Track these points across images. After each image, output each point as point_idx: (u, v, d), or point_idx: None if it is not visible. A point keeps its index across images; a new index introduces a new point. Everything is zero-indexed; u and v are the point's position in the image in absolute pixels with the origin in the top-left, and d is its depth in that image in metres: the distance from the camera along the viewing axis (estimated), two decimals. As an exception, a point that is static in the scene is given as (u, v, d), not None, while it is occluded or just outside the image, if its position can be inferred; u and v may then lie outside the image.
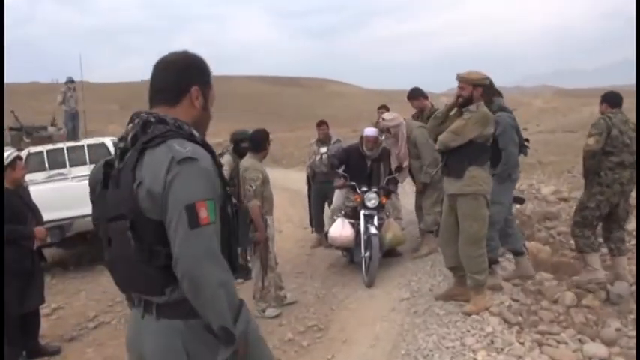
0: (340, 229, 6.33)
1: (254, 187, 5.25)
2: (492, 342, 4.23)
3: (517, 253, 5.69)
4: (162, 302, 1.85)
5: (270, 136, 5.61)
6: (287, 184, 13.07)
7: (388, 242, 6.32)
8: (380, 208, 6.36)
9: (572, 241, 7.22)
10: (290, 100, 73.83)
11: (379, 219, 6.31)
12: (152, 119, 1.90)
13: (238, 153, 6.51)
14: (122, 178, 1.86)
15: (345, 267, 6.76)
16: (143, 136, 1.86)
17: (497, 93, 5.32)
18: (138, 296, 1.94)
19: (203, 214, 1.74)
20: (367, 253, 5.99)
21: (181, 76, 1.97)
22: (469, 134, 4.63)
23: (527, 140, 5.77)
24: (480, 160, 4.71)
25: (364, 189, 6.39)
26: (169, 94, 1.96)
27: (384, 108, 8.27)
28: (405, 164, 6.71)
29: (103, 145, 9.15)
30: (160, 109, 1.95)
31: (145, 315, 1.90)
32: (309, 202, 8.06)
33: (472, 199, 4.69)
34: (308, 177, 8.02)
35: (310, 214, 8.08)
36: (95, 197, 2.04)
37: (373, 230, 6.09)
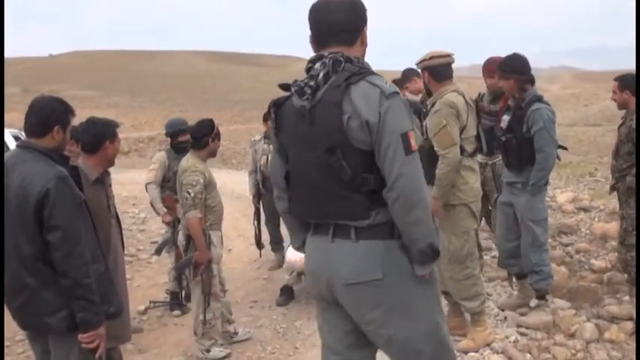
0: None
1: (192, 194, 5.24)
2: (494, 386, 4.34)
3: (520, 276, 5.82)
4: (364, 225, 2.57)
5: (219, 128, 5.63)
6: (238, 189, 13.10)
7: None
8: None
9: (593, 261, 7.42)
10: (244, 83, 73.72)
11: None
12: (341, 58, 2.59)
13: (176, 149, 6.50)
14: (320, 115, 2.57)
15: (310, 295, 6.80)
16: (337, 74, 2.55)
17: (531, 80, 5.38)
18: (324, 223, 2.68)
19: (413, 141, 2.52)
20: None
21: (357, 16, 2.69)
22: (456, 135, 4.68)
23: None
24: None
25: None
26: (347, 34, 2.67)
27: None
28: None
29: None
30: (337, 48, 2.64)
31: (336, 239, 2.64)
32: (258, 214, 7.93)
33: (450, 209, 4.79)
34: (257, 184, 7.85)
35: (257, 230, 7.93)
36: (286, 140, 2.76)
37: None
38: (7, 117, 33.84)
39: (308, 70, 2.67)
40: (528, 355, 4.87)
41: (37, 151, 3.33)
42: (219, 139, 5.61)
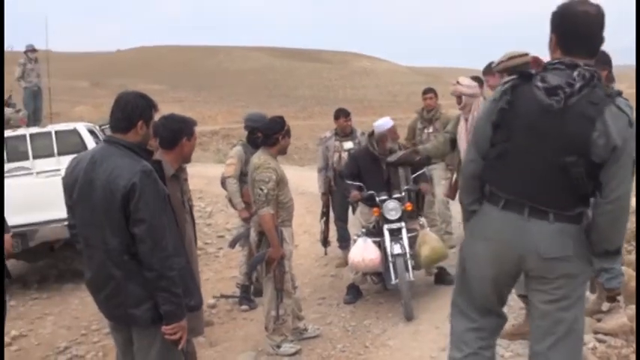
0: (362, 252, 6.32)
1: (265, 191, 5.28)
2: (573, 394, 4.22)
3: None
4: (563, 214, 2.99)
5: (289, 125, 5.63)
6: (302, 185, 13.12)
7: (425, 260, 6.36)
8: (408, 217, 6.42)
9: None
10: (306, 79, 73.97)
11: (410, 231, 6.37)
12: (595, 74, 2.89)
13: (253, 144, 6.52)
14: (570, 122, 2.87)
15: (379, 293, 6.79)
16: (590, 89, 2.86)
17: (612, 77, 5.21)
18: (520, 202, 3.03)
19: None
20: (397, 280, 6.07)
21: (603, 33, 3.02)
22: None
23: None
24: None
25: (382, 197, 6.44)
26: (597, 49, 3.03)
27: (432, 92, 8.30)
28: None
29: (75, 132, 9.26)
30: (585, 59, 2.93)
31: (532, 219, 3.01)
32: (327, 212, 8.00)
33: None
34: (328, 181, 7.91)
35: (325, 228, 8.00)
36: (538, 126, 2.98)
37: (397, 250, 6.14)
38: (77, 110, 34.80)
39: (552, 67, 2.97)
40: (608, 364, 4.72)
41: (122, 146, 3.40)
42: (289, 136, 5.63)
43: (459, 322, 3.39)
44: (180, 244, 3.60)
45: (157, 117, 3.82)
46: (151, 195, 3.27)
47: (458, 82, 6.82)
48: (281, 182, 5.42)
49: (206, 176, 13.59)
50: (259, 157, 5.48)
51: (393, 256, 6.12)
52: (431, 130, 8.13)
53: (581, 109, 2.85)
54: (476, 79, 8.01)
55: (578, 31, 2.95)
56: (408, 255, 6.19)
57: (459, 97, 6.80)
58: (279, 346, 5.49)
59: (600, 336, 5.19)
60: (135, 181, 3.22)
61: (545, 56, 3.73)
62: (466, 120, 6.69)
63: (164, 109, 4.88)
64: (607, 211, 2.95)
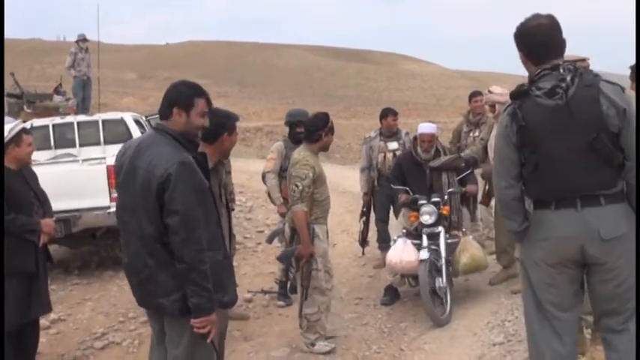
0: (400, 253, 6.24)
1: (300, 187, 5.28)
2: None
3: None
4: (611, 193, 3.26)
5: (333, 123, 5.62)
6: (343, 184, 13.10)
7: (463, 267, 6.30)
8: (446, 222, 6.36)
9: None
10: (352, 79, 73.87)
11: (451, 237, 6.29)
12: (575, 66, 3.30)
13: (294, 139, 6.53)
14: (578, 109, 3.18)
15: (418, 296, 6.71)
16: (579, 78, 3.22)
17: None
18: (569, 197, 3.28)
19: None
20: (417, 285, 6.03)
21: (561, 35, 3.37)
22: None
23: None
24: None
25: (421, 202, 6.38)
26: (562, 49, 3.36)
27: (480, 96, 8.20)
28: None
29: (122, 121, 9.38)
30: (558, 60, 3.29)
31: (585, 208, 3.26)
32: (368, 212, 7.95)
33: None
34: (371, 180, 7.87)
35: (365, 228, 7.94)
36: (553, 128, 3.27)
37: (422, 255, 6.05)
38: (125, 101, 35.32)
39: (540, 76, 3.29)
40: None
41: (168, 134, 3.42)
42: (332, 134, 5.62)
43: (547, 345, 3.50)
44: (220, 238, 3.59)
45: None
46: (187, 186, 3.26)
47: (490, 91, 6.80)
48: (318, 180, 5.40)
49: (247, 171, 13.65)
50: (299, 153, 5.48)
51: (419, 261, 6.04)
52: (477, 133, 8.03)
53: (582, 95, 3.21)
54: (479, 94, 8.03)
55: (539, 42, 3.33)
56: (443, 260, 6.12)
57: (492, 106, 6.78)
58: (313, 344, 5.48)
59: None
60: (171, 172, 3.23)
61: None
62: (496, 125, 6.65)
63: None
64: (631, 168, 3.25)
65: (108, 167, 7.67)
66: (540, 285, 3.47)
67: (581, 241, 3.30)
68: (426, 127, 6.71)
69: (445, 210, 6.38)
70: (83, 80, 14.41)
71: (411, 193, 6.53)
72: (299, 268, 5.42)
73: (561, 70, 3.27)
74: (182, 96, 3.46)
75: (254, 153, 23.26)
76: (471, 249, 6.32)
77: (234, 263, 6.51)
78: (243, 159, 18.46)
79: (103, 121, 9.45)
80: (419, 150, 6.61)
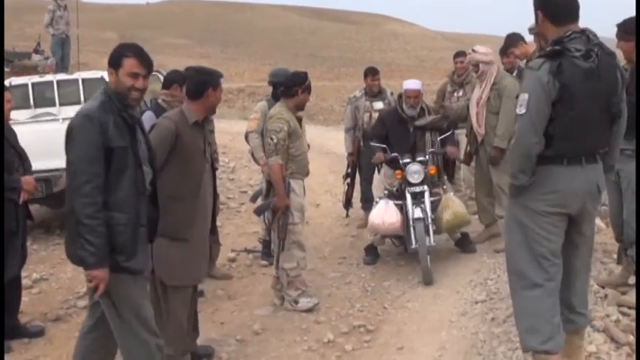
0: (382, 214, 6.27)
1: (275, 140, 5.32)
2: (594, 365, 4.18)
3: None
4: (603, 152, 3.68)
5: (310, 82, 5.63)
6: (326, 145, 13.06)
7: (446, 224, 6.34)
8: (430, 181, 6.36)
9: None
10: (335, 40, 73.35)
11: (433, 195, 6.30)
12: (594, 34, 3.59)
13: (277, 99, 6.47)
14: (604, 73, 3.51)
15: (400, 255, 6.76)
16: (600, 44, 3.53)
17: None
18: (578, 155, 3.58)
19: None
20: (417, 244, 6.02)
21: None
22: None
23: None
24: None
25: (406, 160, 6.37)
26: (578, 16, 3.60)
27: (464, 56, 8.14)
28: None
29: (102, 80, 9.17)
30: (576, 25, 3.56)
31: (587, 165, 3.60)
32: (353, 172, 7.90)
33: None
34: (357, 140, 7.81)
35: (349, 189, 7.86)
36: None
37: (418, 214, 6.08)
38: (105, 61, 35.00)
39: (570, 38, 3.47)
40: (631, 337, 4.64)
41: (105, 92, 3.52)
42: (309, 92, 5.65)
43: (539, 298, 3.67)
44: (133, 203, 3.47)
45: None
46: (84, 140, 3.34)
47: (473, 50, 6.80)
48: (293, 134, 5.42)
49: (230, 132, 13.55)
50: (275, 108, 5.55)
51: (413, 220, 6.06)
52: (461, 94, 8.04)
53: (607, 61, 3.55)
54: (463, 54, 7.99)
55: (566, 5, 3.58)
56: (429, 219, 6.13)
57: (475, 65, 6.77)
58: (296, 302, 5.49)
59: (624, 309, 5.12)
60: (73, 124, 3.40)
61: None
62: (481, 87, 6.65)
63: (190, 65, 4.90)
64: (622, 127, 3.76)
65: (89, 126, 7.55)
66: (536, 236, 3.65)
67: (584, 195, 3.64)
68: (411, 83, 6.71)
69: (432, 170, 6.37)
70: (62, 38, 14.09)
71: (392, 152, 6.51)
72: (274, 222, 5.43)
73: (590, 36, 3.54)
74: (113, 55, 3.57)
75: (236, 114, 23.08)
76: (452, 206, 6.35)
77: (218, 223, 6.51)
78: (226, 120, 18.32)
79: (83, 80, 9.28)
80: (404, 106, 6.58)
